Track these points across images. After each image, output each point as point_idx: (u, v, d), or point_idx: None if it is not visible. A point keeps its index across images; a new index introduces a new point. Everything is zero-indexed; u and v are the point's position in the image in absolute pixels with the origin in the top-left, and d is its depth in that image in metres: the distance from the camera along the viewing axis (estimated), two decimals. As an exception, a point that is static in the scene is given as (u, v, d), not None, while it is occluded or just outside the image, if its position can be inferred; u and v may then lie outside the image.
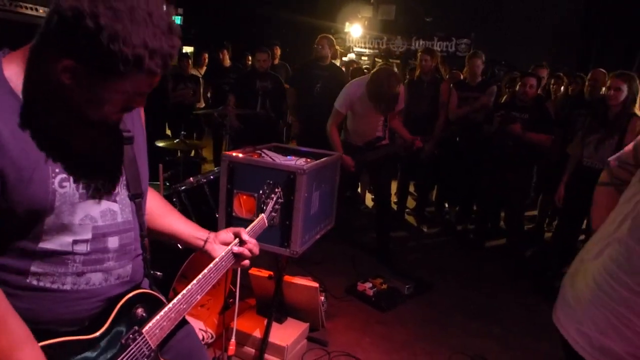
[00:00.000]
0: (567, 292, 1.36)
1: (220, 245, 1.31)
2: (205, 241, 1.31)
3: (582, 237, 4.08)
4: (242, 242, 1.32)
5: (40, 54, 0.91)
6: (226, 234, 1.33)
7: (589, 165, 3.52)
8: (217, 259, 1.26)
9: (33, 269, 0.96)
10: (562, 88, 5.14)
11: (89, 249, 1.01)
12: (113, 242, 1.06)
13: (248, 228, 1.42)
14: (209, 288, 1.23)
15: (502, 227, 4.76)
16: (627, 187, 1.30)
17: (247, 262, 1.34)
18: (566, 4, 8.28)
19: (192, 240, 1.31)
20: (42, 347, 0.91)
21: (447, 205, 5.42)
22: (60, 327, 0.99)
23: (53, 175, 0.95)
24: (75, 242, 0.99)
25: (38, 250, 0.96)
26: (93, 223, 1.02)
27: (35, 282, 0.97)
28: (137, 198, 1.12)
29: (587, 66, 4.85)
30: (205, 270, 1.23)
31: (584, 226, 3.89)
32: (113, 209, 1.06)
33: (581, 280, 1.29)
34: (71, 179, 0.97)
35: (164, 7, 0.89)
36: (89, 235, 1.01)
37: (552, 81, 5.28)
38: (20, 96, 0.91)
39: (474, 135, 4.41)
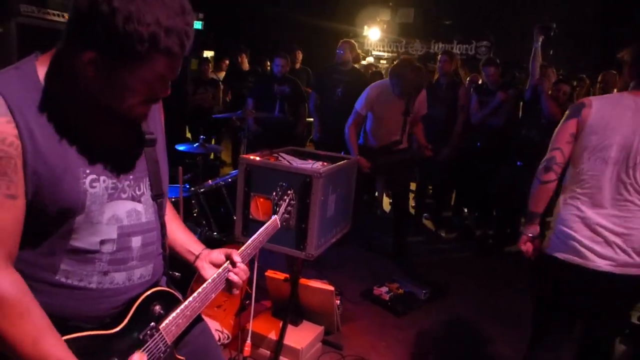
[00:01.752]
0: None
1: (210, 265, 1.28)
2: (197, 257, 1.30)
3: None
4: (233, 264, 1.27)
5: (65, 52, 0.94)
6: (217, 255, 1.30)
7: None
8: (209, 280, 1.23)
9: (62, 266, 1.00)
10: (584, 91, 5.05)
11: (114, 248, 1.04)
12: (136, 242, 1.09)
13: (260, 230, 1.44)
14: (222, 287, 1.25)
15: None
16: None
17: (236, 291, 1.29)
18: (586, 6, 8.14)
19: (184, 253, 1.31)
20: (66, 341, 0.94)
21: (465, 210, 5.37)
22: (84, 323, 1.02)
23: (84, 175, 0.98)
24: (102, 241, 1.02)
25: (68, 249, 0.99)
26: (119, 223, 1.05)
27: (63, 280, 1.00)
28: (159, 198, 1.15)
29: (607, 68, 4.75)
30: (220, 270, 1.25)
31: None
32: (138, 209, 1.09)
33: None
34: (101, 179, 1.00)
35: None
36: (114, 235, 1.04)
37: (575, 83, 5.20)
38: (53, 97, 0.95)
39: (493, 140, 4.37)
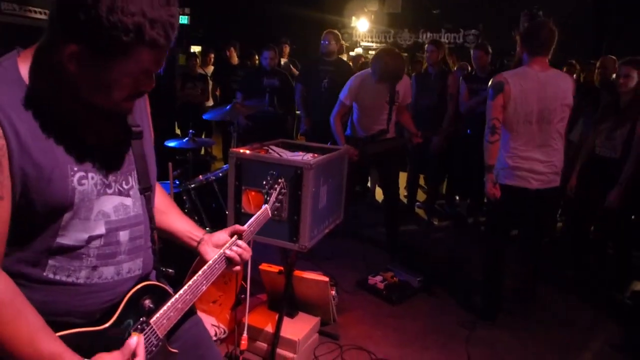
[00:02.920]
0: None
1: (213, 247, 1.30)
2: (199, 242, 1.31)
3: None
4: (240, 237, 1.31)
5: (47, 46, 0.92)
6: (222, 235, 1.32)
7: (601, 154, 3.48)
8: (210, 262, 1.25)
9: (50, 262, 0.99)
10: (574, 76, 5.08)
11: (102, 243, 1.04)
12: (124, 236, 1.08)
13: (251, 219, 1.43)
14: (214, 279, 1.25)
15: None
16: None
17: (238, 268, 1.32)
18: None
19: (187, 240, 1.32)
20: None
21: (457, 198, 5.40)
22: (74, 319, 1.01)
23: (72, 173, 0.96)
24: (90, 237, 1.02)
25: (55, 246, 0.98)
26: (106, 218, 1.04)
27: (51, 276, 0.99)
28: (147, 191, 1.15)
29: (598, 56, 4.79)
30: (210, 262, 1.25)
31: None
32: (125, 203, 1.08)
33: None
34: (89, 175, 0.99)
35: None
36: (102, 231, 1.03)
37: (565, 69, 5.23)
38: (36, 94, 0.93)
39: (483, 126, 4.38)
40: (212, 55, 6.97)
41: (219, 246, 1.30)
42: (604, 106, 3.62)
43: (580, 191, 3.63)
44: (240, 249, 1.30)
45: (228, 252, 1.29)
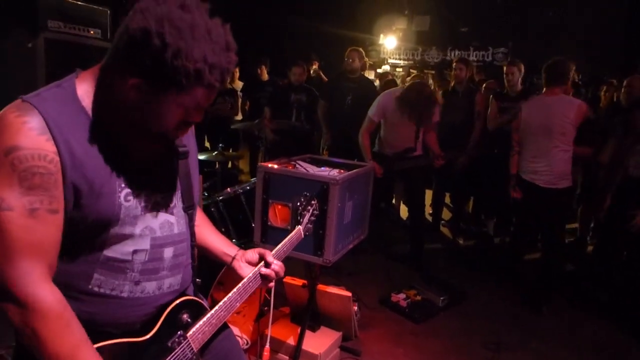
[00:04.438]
0: None
1: (246, 264, 1.35)
2: (233, 258, 1.36)
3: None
4: (267, 264, 1.35)
5: (110, 73, 0.98)
6: (252, 254, 1.37)
7: (635, 175, 3.40)
8: (244, 280, 1.30)
9: (96, 276, 1.03)
10: (614, 95, 4.98)
11: (146, 258, 1.08)
12: (168, 253, 1.12)
13: (285, 240, 1.47)
14: (247, 297, 1.30)
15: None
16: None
17: (272, 284, 1.38)
18: (608, 10, 8.04)
19: (221, 256, 1.37)
20: (99, 348, 0.98)
21: (483, 217, 5.33)
22: (115, 329, 1.05)
23: (119, 189, 1.01)
24: (135, 251, 1.06)
25: (102, 258, 1.03)
26: (152, 234, 1.08)
27: (96, 289, 1.04)
28: (189, 210, 1.19)
29: (630, 73, 4.70)
30: (240, 285, 1.29)
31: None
32: (170, 221, 1.13)
33: None
34: (134, 193, 1.04)
35: (222, 25, 0.96)
36: (147, 246, 1.08)
37: (604, 88, 5.16)
38: (91, 114, 0.99)
39: (511, 145, 4.34)
40: (238, 70, 7.12)
41: (251, 263, 1.36)
42: (636, 126, 3.55)
43: (612, 213, 3.55)
44: (276, 267, 1.35)
45: (264, 270, 1.34)
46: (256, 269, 1.33)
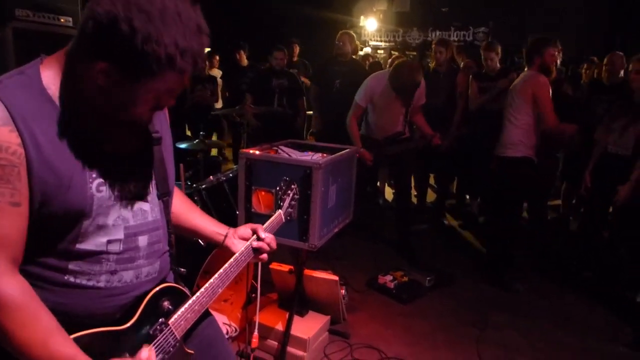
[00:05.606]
0: None
1: (239, 240, 1.37)
2: (225, 236, 1.37)
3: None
4: (259, 238, 1.37)
5: (77, 58, 0.94)
6: (244, 229, 1.39)
7: (614, 152, 3.45)
8: (237, 254, 1.31)
9: (71, 267, 1.01)
10: (595, 72, 5.02)
11: (121, 248, 1.06)
12: (143, 241, 1.10)
13: (265, 224, 1.46)
14: (229, 282, 1.28)
15: (525, 218, 4.70)
16: None
17: (265, 256, 1.39)
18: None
19: (213, 236, 1.37)
20: (76, 338, 0.97)
21: (468, 197, 5.38)
22: (93, 320, 1.03)
23: (90, 180, 0.99)
24: (109, 242, 1.04)
25: (75, 251, 1.01)
26: (125, 223, 1.06)
27: (72, 280, 1.02)
28: (165, 197, 1.17)
29: (611, 51, 4.74)
30: (226, 265, 1.27)
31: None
32: (144, 209, 1.11)
33: None
34: (107, 182, 1.01)
35: (192, 7, 0.92)
36: (121, 235, 1.06)
37: (585, 66, 5.20)
38: (57, 102, 0.95)
39: (493, 124, 4.36)
40: (218, 58, 7.01)
41: (244, 238, 1.37)
42: (616, 104, 3.59)
43: (594, 189, 3.61)
44: (268, 239, 1.37)
45: (255, 243, 1.36)
46: (248, 242, 1.35)
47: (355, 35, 4.84)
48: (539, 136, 3.40)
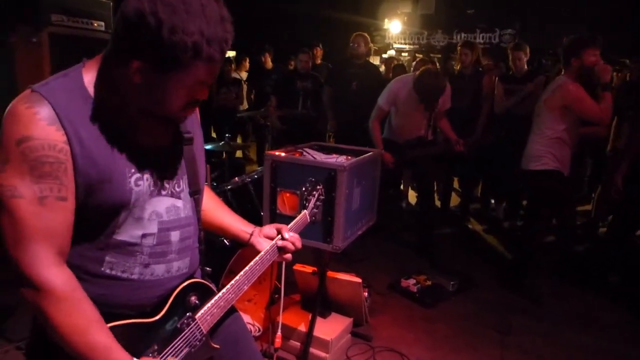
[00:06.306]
0: None
1: (265, 239, 1.40)
2: (251, 234, 1.41)
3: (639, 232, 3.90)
4: (284, 238, 1.40)
5: (113, 59, 1.00)
6: (270, 229, 1.42)
7: None
8: (262, 252, 1.34)
9: (108, 258, 1.07)
10: (627, 75, 4.90)
11: (155, 242, 1.11)
12: (175, 236, 1.15)
13: (290, 224, 1.49)
14: (254, 279, 1.31)
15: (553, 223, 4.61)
16: None
17: (289, 255, 1.41)
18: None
19: (239, 234, 1.41)
20: (111, 328, 1.02)
21: (493, 202, 5.31)
22: (127, 311, 1.09)
23: (129, 175, 1.04)
24: (144, 235, 1.09)
25: (113, 242, 1.06)
26: (159, 218, 1.11)
27: (108, 271, 1.07)
28: (196, 194, 1.22)
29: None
30: (252, 263, 1.31)
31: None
32: (177, 205, 1.16)
33: None
34: (144, 177, 1.07)
35: (215, 1, 0.96)
36: (155, 230, 1.11)
37: (617, 67, 5.09)
38: (98, 102, 1.01)
39: (518, 128, 4.30)
40: (248, 59, 7.10)
41: (269, 237, 1.41)
42: None
43: (624, 194, 3.51)
44: (293, 238, 1.40)
45: (280, 242, 1.39)
46: (273, 241, 1.38)
47: (368, 37, 4.82)
48: (571, 146, 3.24)
